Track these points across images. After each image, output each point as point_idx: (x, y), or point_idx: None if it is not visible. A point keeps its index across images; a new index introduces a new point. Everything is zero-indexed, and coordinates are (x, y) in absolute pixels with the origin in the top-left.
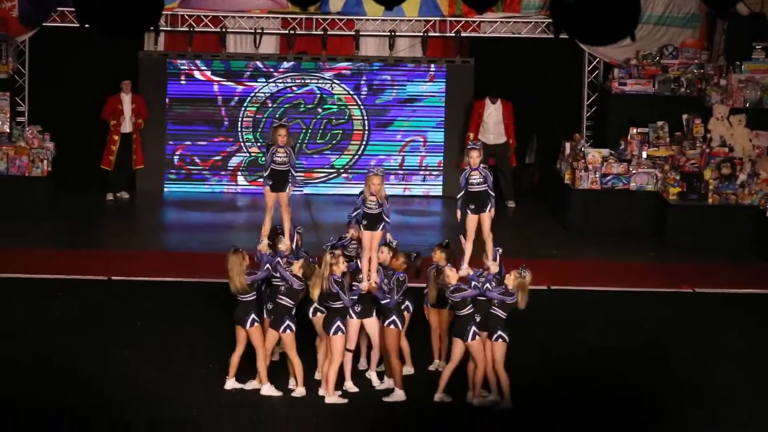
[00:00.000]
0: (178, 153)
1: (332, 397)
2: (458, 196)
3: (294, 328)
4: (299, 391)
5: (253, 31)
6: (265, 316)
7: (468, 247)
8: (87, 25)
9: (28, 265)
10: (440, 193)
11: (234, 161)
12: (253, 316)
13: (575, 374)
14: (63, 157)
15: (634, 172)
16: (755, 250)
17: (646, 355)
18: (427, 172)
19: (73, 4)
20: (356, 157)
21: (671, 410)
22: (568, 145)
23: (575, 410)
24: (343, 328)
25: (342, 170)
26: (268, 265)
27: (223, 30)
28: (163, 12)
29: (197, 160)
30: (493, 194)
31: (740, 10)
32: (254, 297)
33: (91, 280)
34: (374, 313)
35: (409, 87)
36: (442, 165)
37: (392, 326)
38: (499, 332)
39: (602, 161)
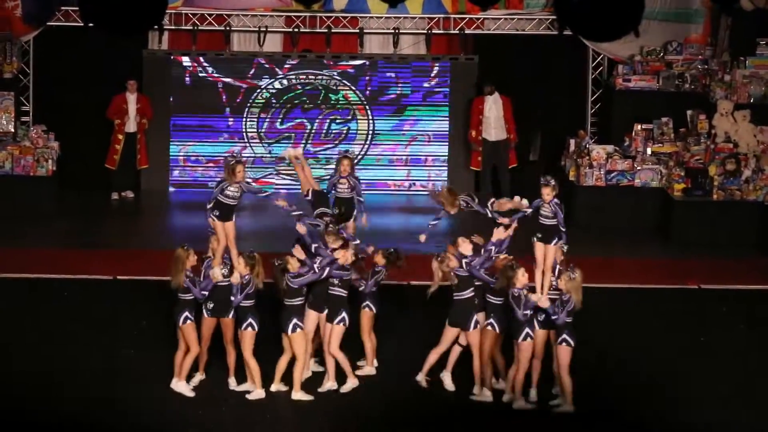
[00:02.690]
0: (182, 152)
1: (481, 395)
2: (520, 214)
3: (256, 327)
4: (256, 394)
5: (257, 29)
6: (206, 314)
7: (538, 275)
8: (91, 24)
9: (33, 264)
10: None
11: None
12: (186, 314)
13: (580, 370)
14: (68, 156)
15: (638, 168)
16: (760, 246)
17: (652, 352)
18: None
19: (77, 3)
20: (360, 154)
21: (678, 405)
22: (572, 141)
23: (581, 406)
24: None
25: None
26: (204, 291)
27: (227, 28)
28: (167, 10)
29: (201, 159)
30: (564, 229)
31: (744, 5)
32: (191, 297)
33: (96, 279)
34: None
35: (413, 84)
36: (446, 161)
37: (489, 327)
38: (564, 336)
39: (607, 158)
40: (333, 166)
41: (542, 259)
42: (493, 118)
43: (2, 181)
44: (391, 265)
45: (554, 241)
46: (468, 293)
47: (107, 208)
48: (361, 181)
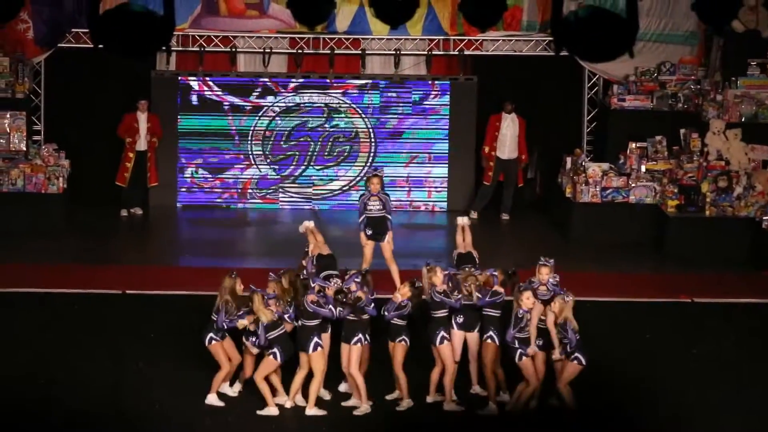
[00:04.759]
0: (189, 169)
1: (450, 404)
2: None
3: (278, 359)
4: (268, 410)
5: (262, 50)
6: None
7: (533, 331)
8: (101, 46)
9: (44, 279)
10: (445, 207)
11: (244, 177)
12: (210, 334)
13: (575, 384)
14: (78, 174)
15: (633, 185)
16: (752, 261)
17: (646, 363)
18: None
19: (87, 26)
20: (363, 172)
21: (670, 416)
22: (569, 159)
23: (575, 419)
24: (449, 337)
25: (349, 186)
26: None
27: (233, 50)
28: (175, 32)
29: (209, 177)
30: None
31: (736, 27)
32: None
33: (105, 293)
34: (477, 328)
35: (413, 104)
36: (446, 179)
37: (489, 341)
38: (577, 354)
39: (602, 175)
40: (336, 186)
41: (538, 318)
42: (509, 137)
43: (14, 198)
44: (416, 299)
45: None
46: (441, 313)
47: (117, 225)
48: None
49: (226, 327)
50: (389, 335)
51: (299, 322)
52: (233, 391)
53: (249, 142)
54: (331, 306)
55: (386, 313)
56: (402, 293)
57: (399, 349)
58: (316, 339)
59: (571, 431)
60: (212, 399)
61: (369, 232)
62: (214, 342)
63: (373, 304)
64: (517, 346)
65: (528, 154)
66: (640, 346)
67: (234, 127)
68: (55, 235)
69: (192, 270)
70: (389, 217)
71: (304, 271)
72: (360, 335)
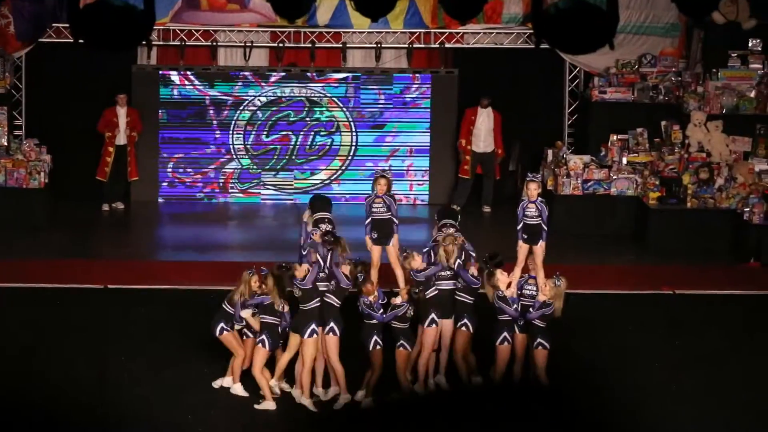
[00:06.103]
0: (171, 164)
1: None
2: (518, 228)
3: (266, 346)
4: (266, 405)
5: (243, 44)
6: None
7: (516, 272)
8: (81, 41)
9: (26, 274)
10: (426, 200)
11: (226, 171)
12: (221, 324)
13: (556, 375)
14: (59, 169)
15: (614, 177)
16: (733, 252)
17: (628, 355)
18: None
19: (67, 20)
20: (344, 165)
21: (651, 406)
22: (550, 152)
23: (554, 411)
24: (438, 321)
25: (331, 178)
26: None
27: (214, 43)
28: (155, 27)
29: (190, 171)
30: (546, 229)
31: (716, 19)
32: (233, 311)
33: (87, 288)
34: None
35: (395, 97)
36: (428, 172)
37: (463, 328)
38: (539, 340)
39: (584, 167)
40: (319, 179)
41: (524, 258)
42: (484, 131)
43: None
44: (413, 304)
45: (540, 241)
46: (431, 292)
47: (98, 219)
48: (348, 195)
49: (242, 320)
50: (392, 339)
51: (299, 307)
52: (217, 384)
53: (230, 136)
54: (319, 256)
55: (384, 316)
56: (401, 296)
57: (398, 354)
58: (313, 326)
59: (551, 422)
60: (238, 389)
61: (374, 236)
62: (225, 332)
63: (381, 310)
64: (499, 328)
65: (504, 149)
66: (622, 338)
67: (215, 121)
68: (37, 231)
69: (173, 264)
70: (395, 220)
71: (302, 250)
72: (332, 324)
